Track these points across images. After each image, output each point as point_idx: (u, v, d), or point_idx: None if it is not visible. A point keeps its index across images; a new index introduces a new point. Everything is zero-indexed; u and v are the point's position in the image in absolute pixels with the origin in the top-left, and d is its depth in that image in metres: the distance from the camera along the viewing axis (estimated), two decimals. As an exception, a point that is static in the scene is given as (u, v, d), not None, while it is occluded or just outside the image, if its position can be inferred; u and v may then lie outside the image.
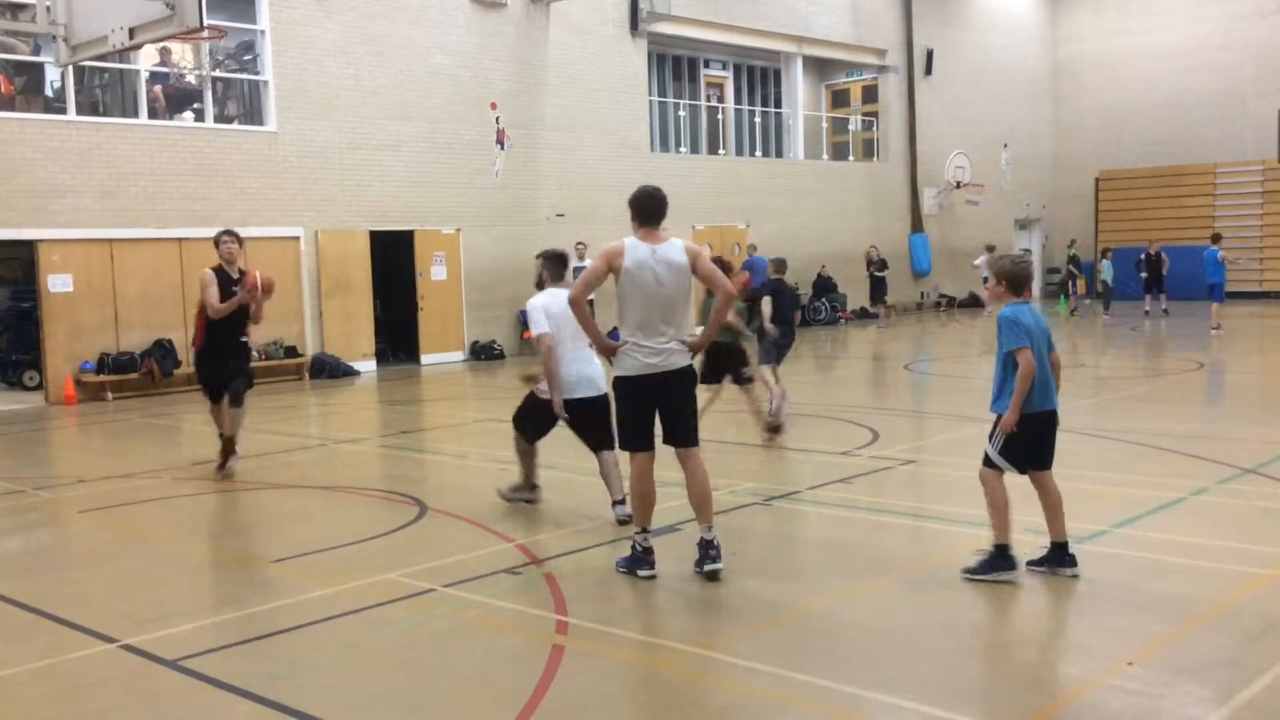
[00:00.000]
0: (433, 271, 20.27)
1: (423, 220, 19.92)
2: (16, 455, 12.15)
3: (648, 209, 6.24)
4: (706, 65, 27.61)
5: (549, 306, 7.32)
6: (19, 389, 17.22)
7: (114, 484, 9.84)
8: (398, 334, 20.63)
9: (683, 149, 25.78)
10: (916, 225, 30.20)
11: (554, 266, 7.62)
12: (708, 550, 6.21)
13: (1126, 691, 4.58)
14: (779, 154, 28.26)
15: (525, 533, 7.29)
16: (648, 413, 6.25)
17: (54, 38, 10.80)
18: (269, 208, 18.16)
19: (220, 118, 18.41)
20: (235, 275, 9.54)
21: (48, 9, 10.65)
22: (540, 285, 7.60)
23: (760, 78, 28.94)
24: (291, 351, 18.40)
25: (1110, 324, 24.30)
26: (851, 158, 29.99)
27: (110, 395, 16.37)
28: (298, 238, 18.53)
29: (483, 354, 20.74)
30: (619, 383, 6.26)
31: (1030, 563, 6.07)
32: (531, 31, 21.61)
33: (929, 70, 30.45)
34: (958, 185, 30.88)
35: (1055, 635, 5.25)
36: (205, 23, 9.61)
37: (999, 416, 5.95)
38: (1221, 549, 6.55)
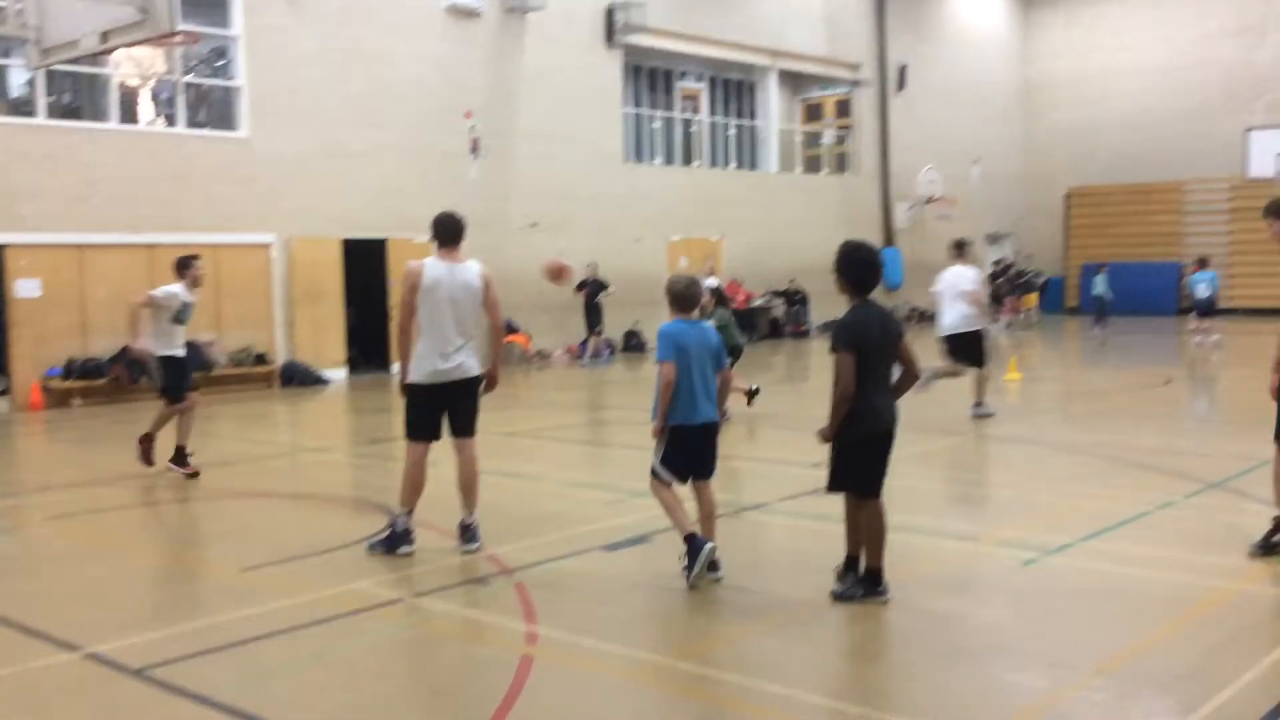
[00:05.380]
0: (405, 280, 20.14)
1: (395, 229, 19.83)
2: (-20, 461, 12.00)
3: (440, 232, 7.03)
4: (682, 77, 27.68)
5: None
6: (-16, 395, 17.00)
7: (80, 491, 9.74)
8: (369, 342, 20.52)
9: (657, 160, 25.82)
10: (889, 239, 30.35)
11: None
12: (465, 531, 7.14)
13: (1092, 703, 4.61)
14: (753, 166, 28.35)
15: (495, 542, 7.27)
16: (437, 412, 7.07)
17: (24, 41, 10.70)
18: (240, 214, 18.04)
19: (192, 123, 18.31)
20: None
21: (18, 12, 10.55)
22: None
23: (735, 90, 29.03)
24: (261, 359, 18.27)
25: (1098, 337, 24.38)
26: (825, 171, 30.13)
27: (78, 401, 16.20)
28: (269, 245, 18.43)
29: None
30: (411, 388, 7.00)
31: (686, 568, 6.16)
32: (506, 41, 21.61)
33: (902, 85, 30.65)
34: (929, 200, 31.05)
35: (1022, 647, 5.29)
36: (178, 27, 9.56)
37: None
38: (1186, 562, 6.61)
